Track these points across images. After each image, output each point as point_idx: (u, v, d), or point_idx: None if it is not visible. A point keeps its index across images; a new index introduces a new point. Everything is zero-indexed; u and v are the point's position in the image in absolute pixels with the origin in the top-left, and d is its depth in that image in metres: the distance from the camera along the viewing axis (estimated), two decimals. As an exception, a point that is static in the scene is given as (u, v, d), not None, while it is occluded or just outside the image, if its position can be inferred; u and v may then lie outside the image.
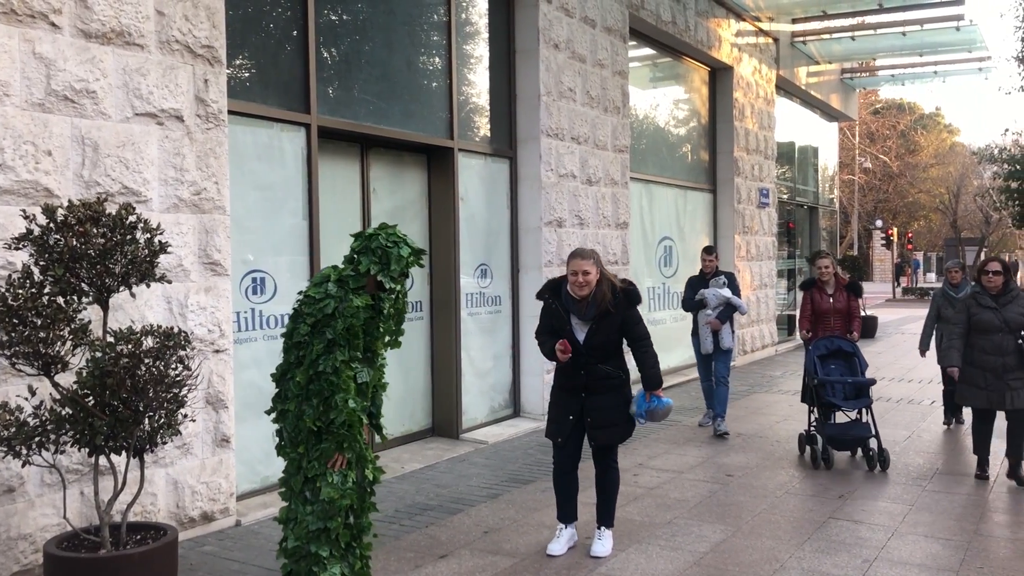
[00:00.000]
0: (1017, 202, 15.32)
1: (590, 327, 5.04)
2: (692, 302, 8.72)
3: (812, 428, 7.55)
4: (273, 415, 4.29)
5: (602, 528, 5.25)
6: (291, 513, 4.25)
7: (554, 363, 5.15)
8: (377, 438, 4.64)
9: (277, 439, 4.33)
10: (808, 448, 7.66)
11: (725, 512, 5.98)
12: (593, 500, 5.36)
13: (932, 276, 60.35)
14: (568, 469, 5.24)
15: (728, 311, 8.58)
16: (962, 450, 7.81)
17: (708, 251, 8.88)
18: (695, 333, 8.82)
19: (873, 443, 7.27)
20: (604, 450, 5.22)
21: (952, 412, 8.91)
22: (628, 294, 5.13)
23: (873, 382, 7.36)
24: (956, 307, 7.25)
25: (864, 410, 7.33)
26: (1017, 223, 15.96)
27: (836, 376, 7.32)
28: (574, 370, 5.08)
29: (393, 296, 4.32)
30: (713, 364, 8.72)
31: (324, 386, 4.11)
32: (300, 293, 4.27)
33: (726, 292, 8.53)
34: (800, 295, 9.22)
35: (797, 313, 6.98)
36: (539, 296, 5.26)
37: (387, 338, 4.39)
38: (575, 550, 5.23)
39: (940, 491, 6.48)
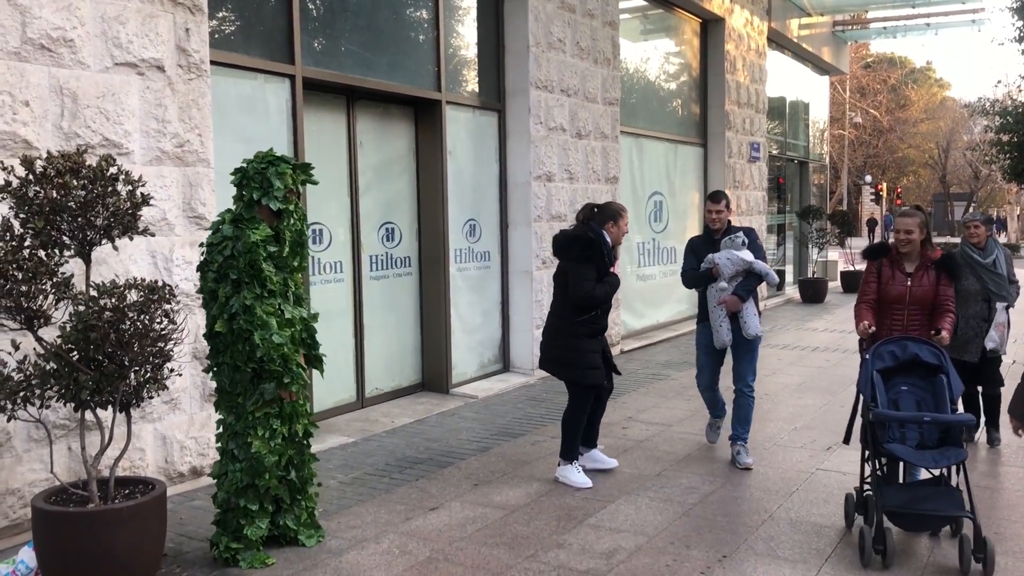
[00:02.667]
0: (1008, 155, 15.28)
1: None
2: (696, 273, 6.00)
3: (866, 487, 4.80)
4: (211, 373, 4.39)
5: (599, 447, 5.99)
6: (222, 468, 4.39)
7: (586, 314, 5.55)
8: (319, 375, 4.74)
9: (215, 396, 4.43)
10: (858, 521, 4.84)
11: (714, 464, 6.01)
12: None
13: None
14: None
15: (751, 282, 5.88)
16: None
17: (715, 198, 6.04)
18: (702, 319, 6.09)
19: (967, 525, 4.54)
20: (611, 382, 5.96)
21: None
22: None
23: (972, 421, 4.52)
24: (986, 276, 6.16)
25: (954, 469, 4.64)
26: (1008, 176, 15.93)
27: (908, 407, 4.63)
28: (602, 318, 5.66)
29: (287, 219, 4.34)
30: (733, 363, 6.06)
31: (244, 326, 4.17)
32: (201, 245, 4.30)
33: (747, 255, 5.86)
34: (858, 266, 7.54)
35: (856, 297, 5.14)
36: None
37: (296, 263, 4.43)
38: (600, 486, 5.33)
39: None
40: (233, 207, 4.34)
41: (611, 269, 5.60)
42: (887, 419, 4.47)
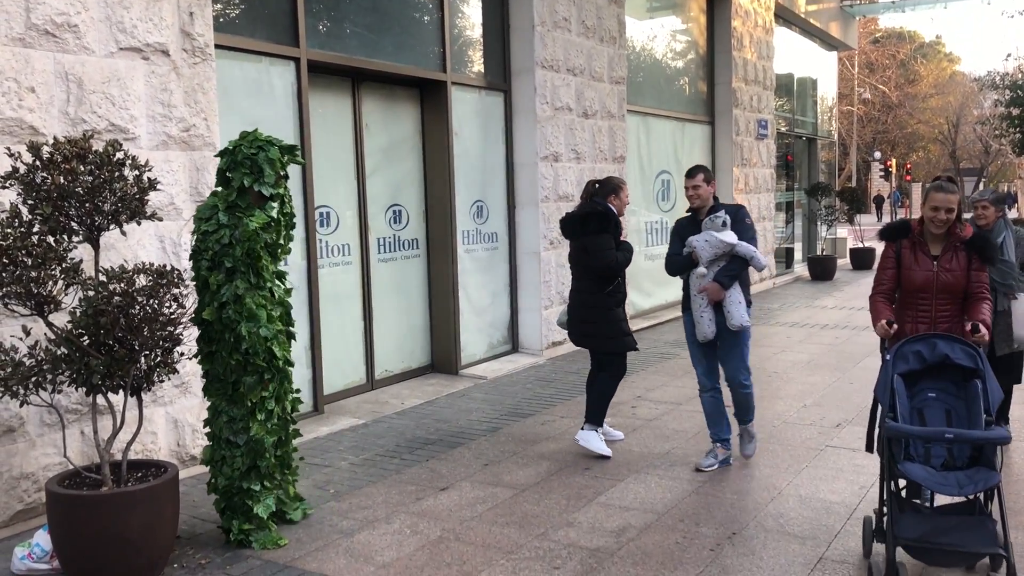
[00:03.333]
0: (1018, 129, 15.15)
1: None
2: (679, 258, 5.47)
3: (885, 510, 3.97)
4: (198, 358, 4.41)
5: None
6: (216, 454, 4.41)
7: (610, 284, 5.77)
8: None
9: (204, 381, 4.47)
10: (878, 548, 4.12)
11: (723, 442, 6.01)
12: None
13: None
14: None
15: (734, 267, 5.28)
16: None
17: (690, 173, 5.44)
18: (686, 307, 5.50)
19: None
20: None
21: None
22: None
23: (1007, 438, 3.64)
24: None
25: (985, 495, 3.87)
26: (1018, 150, 15.80)
27: (935, 418, 3.92)
28: (622, 283, 5.84)
29: (276, 204, 4.36)
30: (721, 359, 5.51)
31: (232, 316, 4.21)
32: (193, 233, 4.32)
33: (728, 236, 5.26)
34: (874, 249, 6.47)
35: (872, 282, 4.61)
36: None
37: (279, 250, 4.46)
38: (615, 465, 5.44)
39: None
40: (220, 190, 4.35)
41: (620, 238, 5.77)
42: (902, 435, 3.74)
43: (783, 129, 16.92)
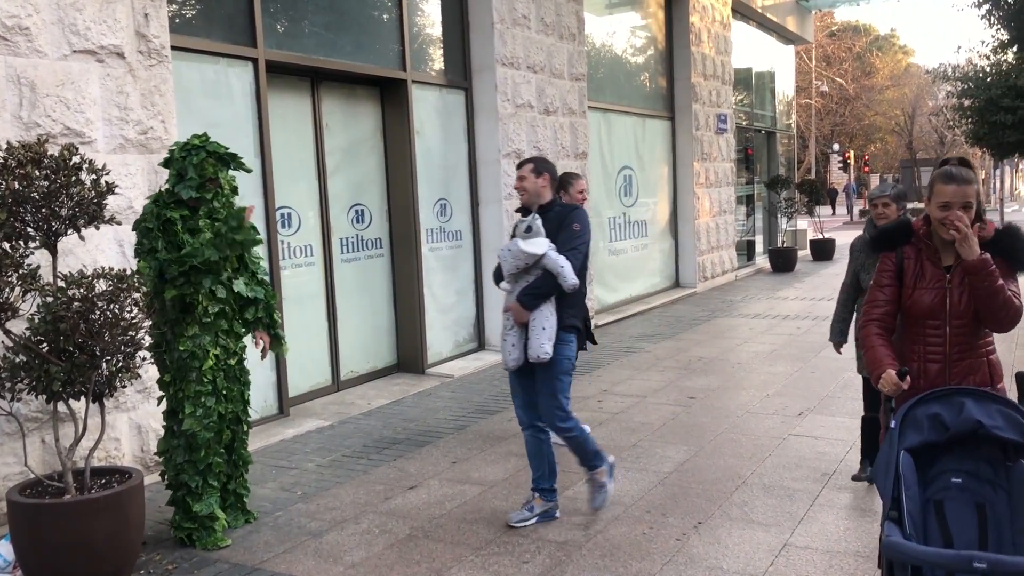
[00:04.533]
0: (970, 120, 15.49)
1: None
2: (496, 272, 4.72)
3: None
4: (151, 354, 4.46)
5: None
6: (167, 444, 4.47)
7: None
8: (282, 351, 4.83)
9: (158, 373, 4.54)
10: None
11: (688, 433, 6.09)
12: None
13: (888, 198, 60.94)
14: None
15: (542, 284, 4.36)
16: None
17: (520, 164, 4.61)
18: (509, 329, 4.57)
19: None
20: None
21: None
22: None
23: None
24: None
25: None
26: (971, 141, 16.15)
27: (961, 518, 2.78)
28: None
29: (203, 207, 4.37)
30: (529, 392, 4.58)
31: (152, 270, 4.26)
32: (133, 229, 4.40)
33: (533, 245, 4.33)
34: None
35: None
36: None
37: (216, 254, 4.39)
38: None
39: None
40: (161, 190, 4.42)
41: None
42: (907, 560, 2.53)
43: (743, 123, 17.10)
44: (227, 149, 4.39)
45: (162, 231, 4.27)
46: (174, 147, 4.37)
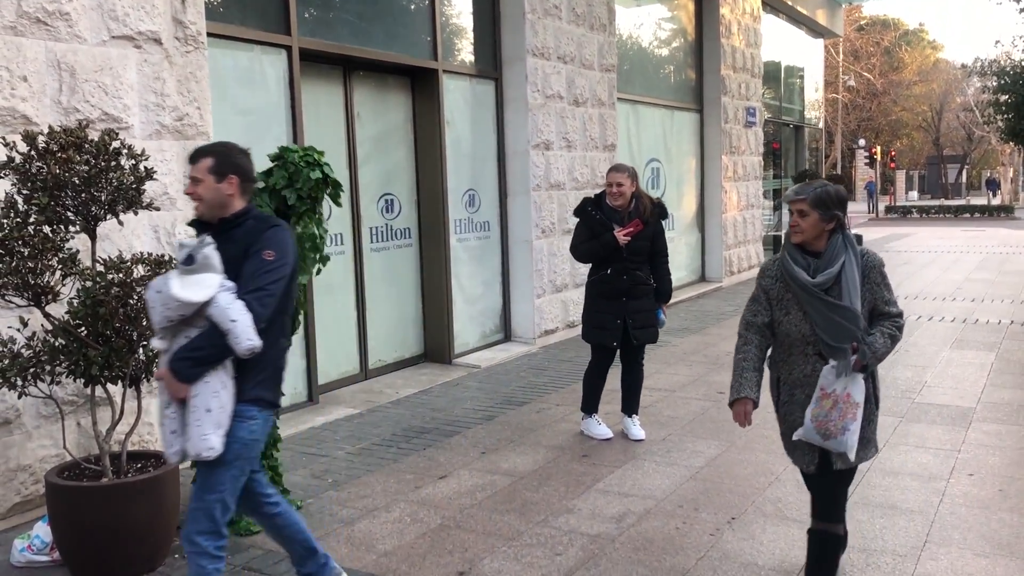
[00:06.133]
0: (1007, 115, 15.27)
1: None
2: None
3: None
4: None
5: (634, 416, 5.91)
6: None
7: (596, 274, 5.72)
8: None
9: None
10: None
11: (718, 428, 6.05)
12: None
13: (914, 194, 60.47)
14: (607, 368, 5.89)
15: (207, 345, 3.02)
16: (948, 364, 7.91)
17: (194, 158, 3.29)
18: None
19: None
20: (640, 349, 5.87)
21: None
22: (660, 208, 5.77)
23: None
24: (816, 310, 3.31)
25: None
26: (1007, 137, 15.93)
27: None
28: (616, 276, 5.63)
29: (292, 217, 4.35)
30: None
31: None
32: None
33: (189, 287, 3.02)
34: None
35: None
36: (577, 212, 5.74)
37: (310, 258, 4.47)
38: (614, 451, 5.52)
39: (928, 403, 6.57)
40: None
41: (617, 232, 5.56)
42: None
43: (770, 117, 16.96)
44: (333, 172, 4.39)
45: None
46: (288, 150, 4.32)
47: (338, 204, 4.53)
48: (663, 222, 5.81)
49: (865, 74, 47.06)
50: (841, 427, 3.26)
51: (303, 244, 4.42)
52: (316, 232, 4.46)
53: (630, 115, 11.72)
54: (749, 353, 3.48)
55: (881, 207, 40.22)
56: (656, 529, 4.37)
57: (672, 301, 12.04)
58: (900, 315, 3.41)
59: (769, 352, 3.56)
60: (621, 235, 5.50)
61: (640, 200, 5.65)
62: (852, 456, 3.35)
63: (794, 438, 3.44)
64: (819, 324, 3.30)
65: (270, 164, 4.35)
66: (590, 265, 5.82)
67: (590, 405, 5.93)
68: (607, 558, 4.06)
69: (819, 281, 3.29)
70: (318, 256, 4.52)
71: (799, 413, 3.41)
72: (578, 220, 5.75)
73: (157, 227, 5.23)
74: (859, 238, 18.80)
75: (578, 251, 5.76)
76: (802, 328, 3.36)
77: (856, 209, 42.84)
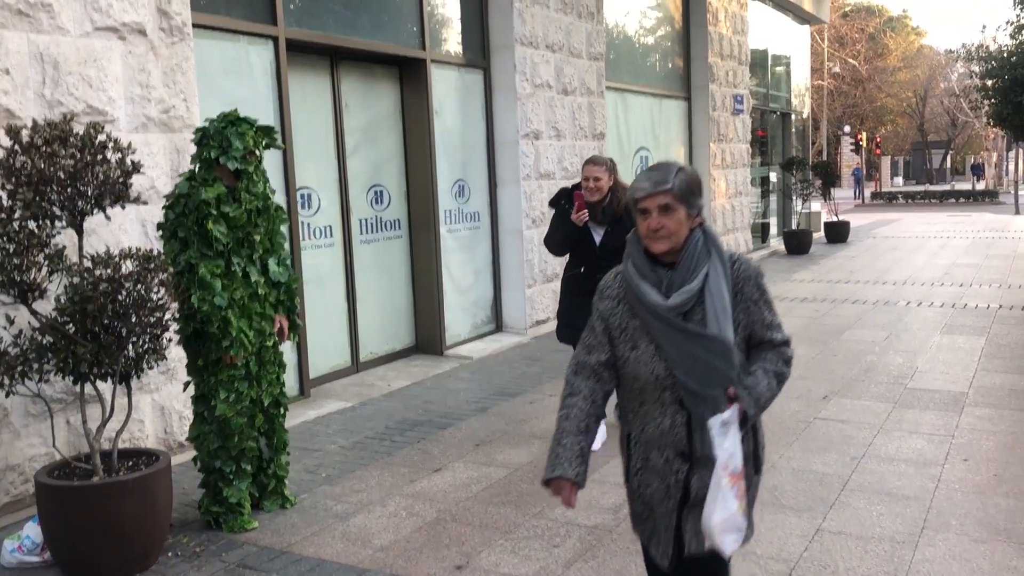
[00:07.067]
0: (993, 100, 15.32)
1: (606, 230, 5.29)
2: None
3: None
4: (178, 337, 4.35)
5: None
6: (197, 430, 4.40)
7: (573, 267, 5.45)
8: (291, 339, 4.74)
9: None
10: None
11: (713, 417, 6.03)
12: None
13: (899, 180, 60.72)
14: None
15: None
16: (939, 349, 7.92)
17: None
18: None
19: None
20: None
21: None
22: None
23: None
24: (671, 340, 2.42)
25: None
26: (994, 121, 15.97)
27: None
28: (589, 275, 5.21)
29: (245, 180, 4.29)
30: None
31: (185, 285, 4.17)
32: (163, 208, 4.30)
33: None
34: None
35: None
36: (552, 203, 5.49)
37: (272, 225, 4.42)
38: (606, 444, 5.42)
39: (921, 388, 6.58)
40: (192, 167, 4.32)
41: (574, 215, 5.23)
42: None
43: (757, 104, 16.94)
44: (259, 123, 4.33)
45: (197, 226, 4.16)
46: (208, 122, 4.27)
47: (279, 147, 4.46)
48: None
49: (850, 60, 47.12)
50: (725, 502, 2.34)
51: (262, 206, 4.36)
52: (264, 191, 4.38)
53: (618, 103, 11.68)
54: (574, 409, 2.54)
55: (867, 193, 40.36)
56: (653, 519, 4.35)
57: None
58: (787, 343, 2.55)
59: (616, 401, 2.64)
60: (576, 215, 5.19)
61: (615, 194, 5.27)
62: (731, 547, 2.38)
63: (706, 549, 2.42)
64: (677, 362, 2.37)
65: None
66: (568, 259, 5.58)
67: None
68: (605, 549, 4.03)
69: (675, 303, 2.37)
70: (277, 212, 4.44)
71: (657, 483, 2.49)
72: (553, 211, 5.49)
73: (145, 221, 5.16)
74: (847, 224, 18.88)
75: (549, 241, 5.52)
76: (655, 367, 2.41)
77: (843, 195, 42.98)
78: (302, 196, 6.94)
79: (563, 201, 5.41)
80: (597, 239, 5.32)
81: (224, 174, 4.25)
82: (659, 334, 2.41)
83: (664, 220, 2.38)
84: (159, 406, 5.28)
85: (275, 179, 6.45)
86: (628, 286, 2.48)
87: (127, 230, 5.03)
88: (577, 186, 5.44)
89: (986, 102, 16.00)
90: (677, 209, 2.39)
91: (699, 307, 2.40)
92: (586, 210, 5.21)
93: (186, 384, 4.45)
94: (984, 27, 27.67)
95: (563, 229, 5.36)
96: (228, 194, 4.24)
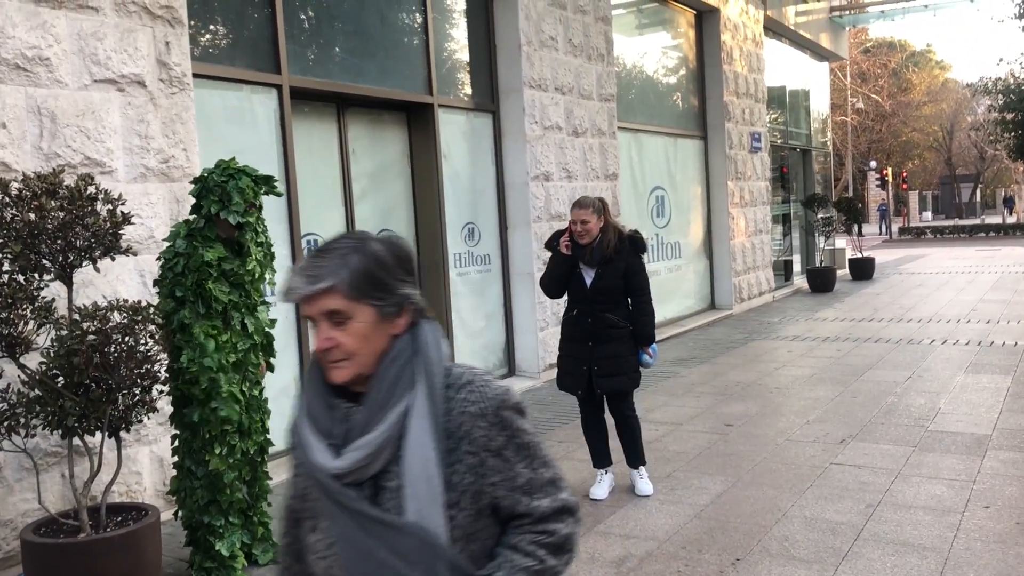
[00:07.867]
0: (1013, 133, 15.09)
1: (596, 271, 5.18)
2: None
3: None
4: (167, 388, 4.29)
5: (640, 468, 5.41)
6: (181, 484, 4.30)
7: (565, 312, 5.35)
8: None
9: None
10: None
11: (725, 463, 5.87)
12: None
13: (928, 215, 60.04)
14: (595, 416, 5.41)
15: None
16: (963, 389, 7.69)
17: None
18: None
19: None
20: (615, 398, 5.33)
21: None
22: (634, 241, 5.24)
23: None
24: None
25: None
26: (1014, 155, 15.74)
27: None
28: (581, 317, 5.21)
29: (249, 232, 4.26)
30: None
31: (177, 343, 4.14)
32: (157, 259, 4.28)
33: None
34: None
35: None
36: (547, 245, 5.42)
37: (267, 276, 4.41)
38: (615, 493, 5.33)
39: (942, 431, 6.37)
40: (190, 218, 4.27)
41: (561, 246, 5.22)
42: None
43: (777, 141, 16.85)
44: (258, 172, 4.31)
45: (196, 286, 4.13)
46: (206, 173, 4.23)
47: (277, 194, 4.41)
48: (642, 256, 5.26)
49: (873, 96, 46.98)
50: None
51: (260, 255, 4.35)
52: (265, 240, 4.38)
53: (632, 144, 11.64)
54: None
55: (895, 228, 39.92)
56: (657, 573, 4.19)
57: (681, 330, 11.89)
58: (560, 513, 1.63)
59: None
60: (564, 247, 5.14)
61: (605, 234, 5.12)
62: None
63: None
64: (347, 568, 1.56)
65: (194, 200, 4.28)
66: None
67: (593, 458, 5.46)
68: (605, 606, 3.88)
69: (341, 466, 1.54)
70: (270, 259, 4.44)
71: None
72: (550, 254, 5.35)
73: (143, 271, 5.14)
74: (871, 261, 18.60)
75: (543, 283, 5.36)
76: (329, 569, 1.60)
77: (869, 231, 42.56)
78: (308, 243, 6.92)
79: (556, 244, 5.32)
80: (588, 280, 5.20)
81: (224, 228, 4.22)
82: (329, 516, 1.57)
83: (336, 334, 1.55)
84: (158, 458, 5.22)
85: (279, 227, 6.45)
86: (295, 433, 1.63)
87: (124, 281, 5.01)
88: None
89: (1006, 135, 15.80)
90: (356, 314, 1.55)
91: (394, 471, 1.54)
92: (569, 242, 5.17)
93: (174, 437, 4.37)
94: (1000, 59, 27.46)
95: (555, 269, 5.27)
96: (228, 247, 4.22)
